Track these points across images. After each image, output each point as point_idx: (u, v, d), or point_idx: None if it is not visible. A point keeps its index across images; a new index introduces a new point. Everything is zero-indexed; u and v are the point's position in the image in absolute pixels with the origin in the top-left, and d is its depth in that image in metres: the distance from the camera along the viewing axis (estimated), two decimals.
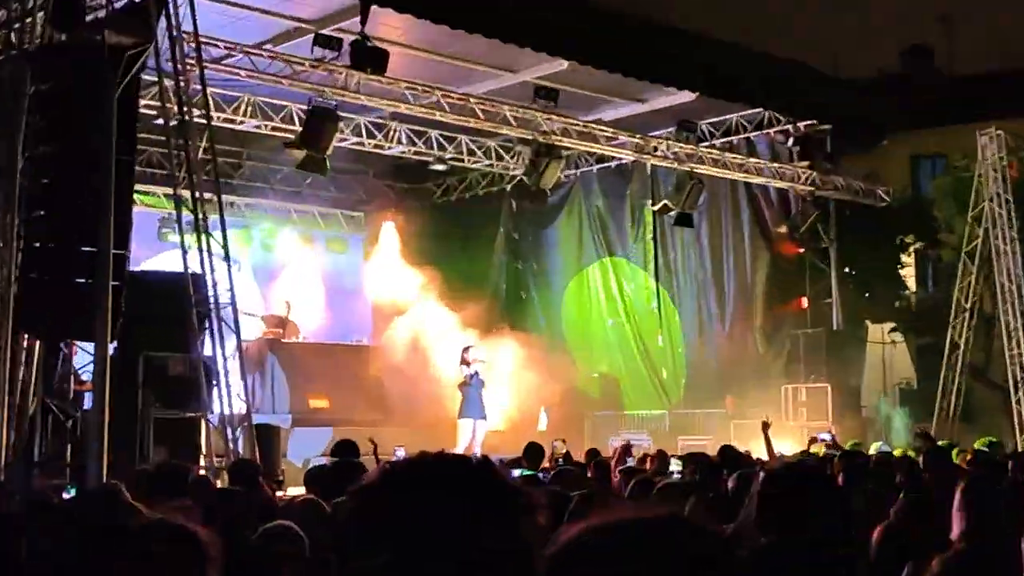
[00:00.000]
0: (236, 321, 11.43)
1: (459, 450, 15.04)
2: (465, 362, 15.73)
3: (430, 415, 16.96)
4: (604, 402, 19.50)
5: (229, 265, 11.49)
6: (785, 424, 16.99)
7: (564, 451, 11.83)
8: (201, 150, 11.58)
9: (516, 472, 8.64)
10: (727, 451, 8.62)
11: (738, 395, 17.86)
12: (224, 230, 11.59)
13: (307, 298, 20.89)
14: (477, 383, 15.58)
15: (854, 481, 6.22)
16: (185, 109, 11.30)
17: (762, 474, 3.31)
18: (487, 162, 19.37)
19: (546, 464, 9.88)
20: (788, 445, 13.77)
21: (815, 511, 3.01)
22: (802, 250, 18.57)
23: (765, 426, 10.75)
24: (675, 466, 8.88)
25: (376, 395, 18.29)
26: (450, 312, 19.46)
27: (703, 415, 18.56)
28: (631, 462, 9.69)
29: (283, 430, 14.54)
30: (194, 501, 4.76)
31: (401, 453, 12.27)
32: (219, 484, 9.33)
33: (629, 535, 1.34)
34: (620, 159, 18.79)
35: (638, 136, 17.16)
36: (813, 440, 12.39)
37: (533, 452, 9.53)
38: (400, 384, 19.30)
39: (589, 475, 7.73)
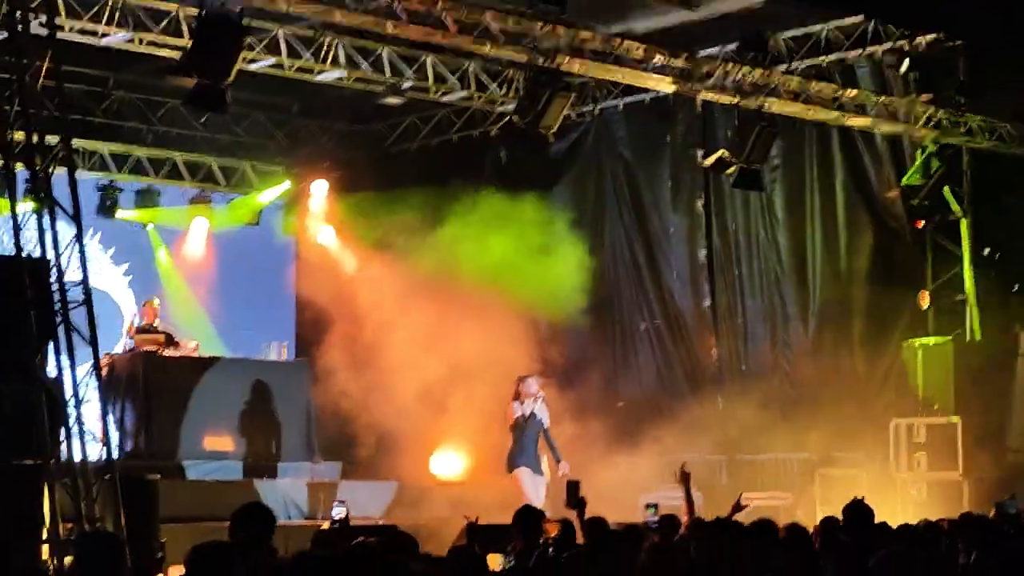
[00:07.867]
0: (92, 327, 11.40)
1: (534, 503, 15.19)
2: (517, 396, 16.18)
3: (381, 458, 17.32)
4: (622, 439, 19.22)
5: (82, 244, 11.49)
6: (895, 476, 16.92)
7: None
8: (43, 73, 11.53)
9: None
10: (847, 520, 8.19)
11: (826, 433, 17.81)
12: (75, 192, 11.61)
13: (196, 291, 20.88)
14: (536, 424, 16.06)
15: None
16: (19, 14, 11.35)
17: None
18: (462, 94, 19.35)
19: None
20: (905, 511, 13.68)
21: None
22: (922, 224, 18.49)
23: (684, 477, 10.52)
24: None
25: (301, 430, 18.37)
26: (410, 311, 19.34)
27: (774, 461, 18.54)
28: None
29: (162, 483, 14.48)
30: None
31: (339, 512, 12.31)
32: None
33: None
34: (657, 91, 18.68)
35: (683, 57, 17.05)
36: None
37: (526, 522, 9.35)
38: (338, 416, 19.20)
39: None
